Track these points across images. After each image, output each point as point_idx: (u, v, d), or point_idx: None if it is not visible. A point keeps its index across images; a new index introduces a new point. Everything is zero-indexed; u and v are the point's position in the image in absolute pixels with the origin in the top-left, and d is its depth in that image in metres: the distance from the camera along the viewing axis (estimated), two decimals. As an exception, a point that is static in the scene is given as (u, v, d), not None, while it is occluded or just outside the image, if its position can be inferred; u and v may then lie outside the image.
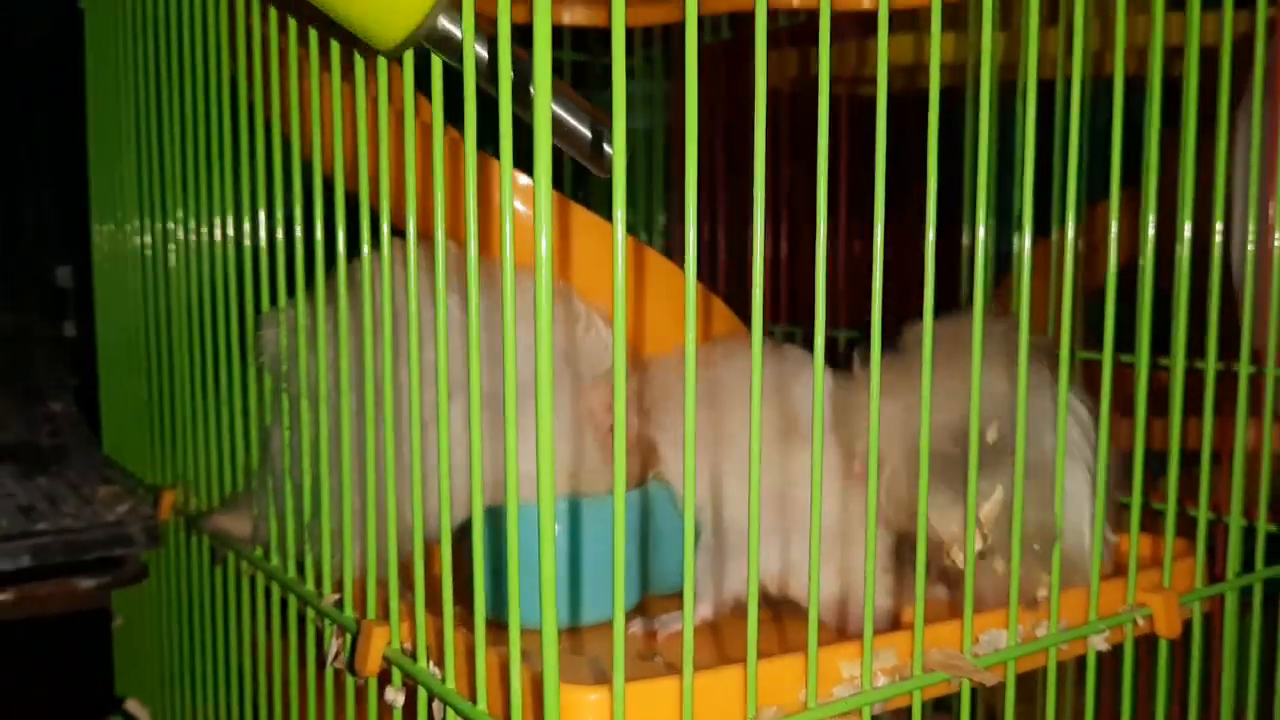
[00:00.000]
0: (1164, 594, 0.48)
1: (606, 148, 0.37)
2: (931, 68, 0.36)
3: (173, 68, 0.63)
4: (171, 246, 0.66)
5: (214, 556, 0.62)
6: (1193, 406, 0.51)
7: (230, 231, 0.58)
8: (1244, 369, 0.52)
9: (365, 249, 0.41)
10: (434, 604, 0.40)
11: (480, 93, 0.32)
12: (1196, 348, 0.51)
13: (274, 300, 0.53)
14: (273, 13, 0.47)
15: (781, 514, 0.44)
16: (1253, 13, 0.50)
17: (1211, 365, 0.51)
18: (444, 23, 0.33)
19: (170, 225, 0.66)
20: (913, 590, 0.44)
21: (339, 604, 0.47)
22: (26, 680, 1.18)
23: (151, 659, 0.75)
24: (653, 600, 0.50)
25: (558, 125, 0.37)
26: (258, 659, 0.58)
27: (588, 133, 0.37)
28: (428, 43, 0.34)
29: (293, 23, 0.46)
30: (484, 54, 0.33)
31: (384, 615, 0.44)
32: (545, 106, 0.28)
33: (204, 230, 0.61)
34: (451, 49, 0.33)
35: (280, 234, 0.52)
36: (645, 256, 0.49)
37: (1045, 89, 0.64)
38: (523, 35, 0.29)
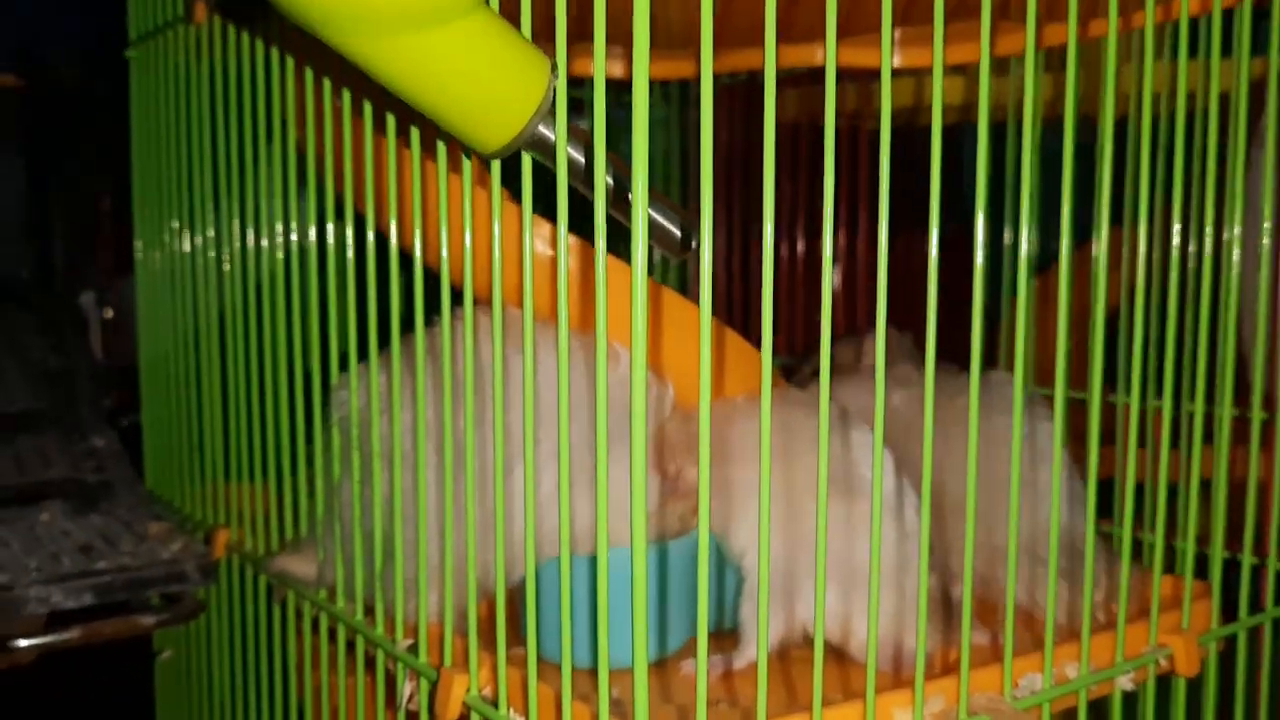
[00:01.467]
0: (1183, 635, 0.51)
1: (693, 243, 0.40)
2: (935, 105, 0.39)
3: (231, 122, 0.66)
4: (226, 284, 0.69)
5: (272, 595, 0.64)
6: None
7: (294, 270, 0.61)
8: (1256, 414, 0.56)
9: (446, 315, 0.44)
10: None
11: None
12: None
13: (341, 341, 0.55)
14: (346, 94, 0.50)
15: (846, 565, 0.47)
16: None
17: (1227, 408, 0.54)
18: (542, 129, 0.36)
19: (226, 263, 0.69)
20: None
21: (413, 649, 0.50)
22: (67, 709, 1.20)
23: (200, 692, 0.77)
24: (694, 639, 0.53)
25: (652, 228, 0.40)
26: (320, 697, 0.61)
27: (677, 231, 0.40)
28: (526, 147, 0.37)
29: (367, 105, 0.49)
30: (578, 157, 0.36)
31: (461, 660, 0.46)
32: (642, 212, 0.31)
33: (263, 265, 0.64)
34: (548, 152, 0.36)
35: (352, 282, 0.54)
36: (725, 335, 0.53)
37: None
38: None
